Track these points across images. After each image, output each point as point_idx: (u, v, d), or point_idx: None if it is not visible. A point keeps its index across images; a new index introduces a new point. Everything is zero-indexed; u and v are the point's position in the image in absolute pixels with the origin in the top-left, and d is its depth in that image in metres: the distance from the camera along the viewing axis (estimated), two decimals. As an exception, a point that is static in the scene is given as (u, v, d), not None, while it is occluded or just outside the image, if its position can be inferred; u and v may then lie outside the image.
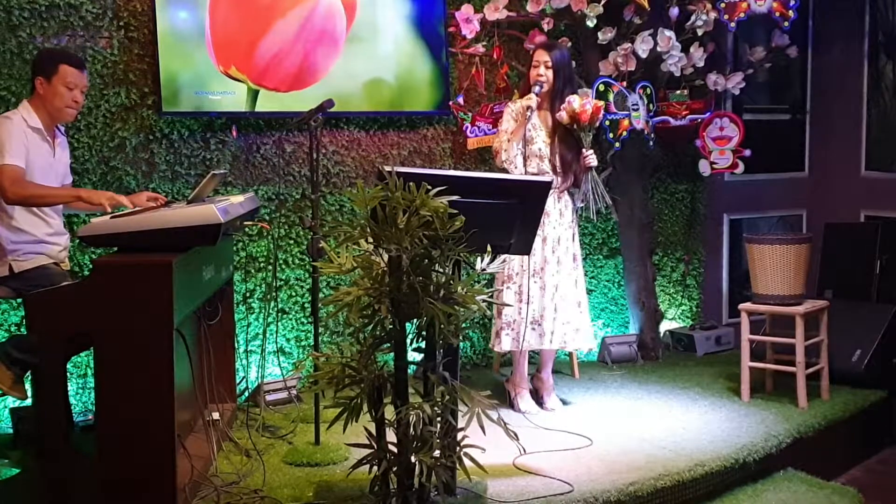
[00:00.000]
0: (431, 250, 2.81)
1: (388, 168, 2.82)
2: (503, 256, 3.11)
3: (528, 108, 4.06)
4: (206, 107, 4.31)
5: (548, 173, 4.08)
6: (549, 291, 4.11)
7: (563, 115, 4.07)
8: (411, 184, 2.77)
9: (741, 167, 5.10)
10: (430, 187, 2.78)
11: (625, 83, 4.78)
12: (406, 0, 4.64)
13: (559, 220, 4.15)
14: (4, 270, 3.46)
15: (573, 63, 4.32)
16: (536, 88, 4.09)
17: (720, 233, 5.67)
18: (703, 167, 5.15)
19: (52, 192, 3.48)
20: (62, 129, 3.70)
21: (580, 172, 4.16)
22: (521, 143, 4.06)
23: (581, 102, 4.04)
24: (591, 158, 4.13)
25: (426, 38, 4.70)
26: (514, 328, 4.10)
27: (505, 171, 4.13)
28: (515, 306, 4.09)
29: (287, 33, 4.38)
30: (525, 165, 4.07)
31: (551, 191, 4.08)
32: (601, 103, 4.21)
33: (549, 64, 4.10)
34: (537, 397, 4.25)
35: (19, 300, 3.72)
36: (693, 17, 4.80)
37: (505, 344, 4.12)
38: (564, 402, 4.32)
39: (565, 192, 4.17)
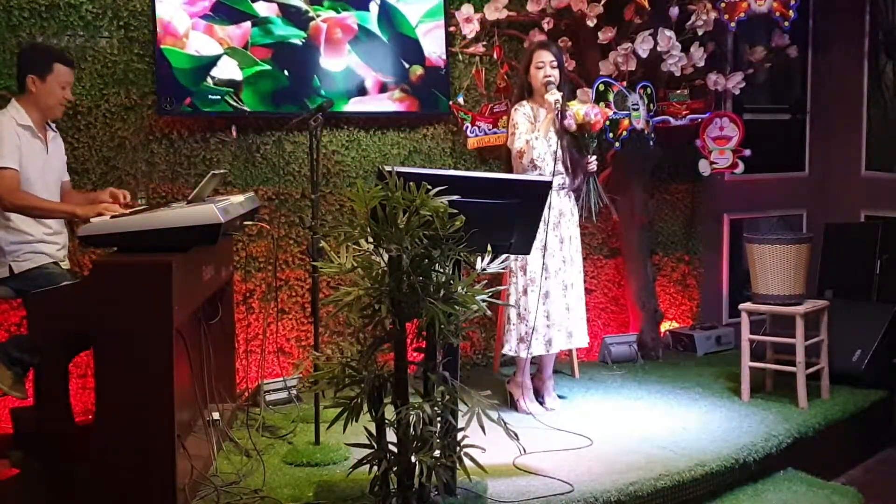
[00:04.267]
0: (431, 250, 2.81)
1: (388, 168, 2.82)
2: (504, 256, 3.10)
3: (557, 101, 4.02)
4: (206, 107, 4.31)
5: (562, 174, 4.09)
6: (568, 291, 4.13)
7: (571, 124, 4.06)
8: (411, 184, 2.77)
9: (741, 167, 5.10)
10: (430, 187, 2.78)
11: (625, 83, 4.78)
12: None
13: (571, 220, 4.17)
14: (4, 271, 3.46)
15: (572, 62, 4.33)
16: (552, 87, 4.06)
17: (720, 233, 5.67)
18: (703, 167, 5.15)
19: (49, 206, 3.47)
20: (53, 125, 3.70)
21: (583, 175, 4.17)
22: (549, 142, 4.06)
23: (594, 113, 4.04)
24: (594, 164, 4.16)
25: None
26: (539, 332, 4.07)
27: (537, 169, 4.08)
28: (542, 309, 4.07)
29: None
30: (544, 166, 4.07)
31: (563, 190, 4.11)
32: (608, 111, 4.21)
33: (555, 63, 4.10)
34: (538, 397, 4.26)
35: (19, 300, 3.72)
36: (693, 17, 4.80)
37: (535, 349, 4.08)
38: (561, 397, 4.33)
39: (572, 191, 4.19)
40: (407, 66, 4.68)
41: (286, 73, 4.43)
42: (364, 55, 4.58)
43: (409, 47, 4.68)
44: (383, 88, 4.65)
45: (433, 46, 4.74)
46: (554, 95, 4.03)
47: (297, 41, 4.45)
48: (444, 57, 4.76)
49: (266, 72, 4.39)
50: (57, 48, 3.90)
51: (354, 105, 4.59)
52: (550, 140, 4.08)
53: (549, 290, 4.08)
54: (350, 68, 4.57)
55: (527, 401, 4.19)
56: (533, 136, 4.08)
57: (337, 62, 4.54)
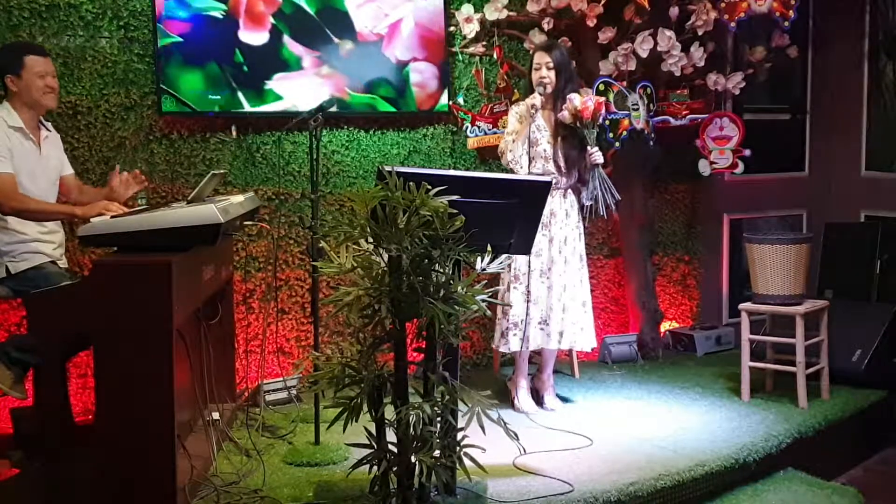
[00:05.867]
0: (431, 250, 2.81)
1: (388, 168, 2.82)
2: (503, 256, 3.10)
3: (533, 106, 4.05)
4: (206, 107, 4.30)
5: (553, 174, 4.09)
6: (557, 291, 4.11)
7: (565, 115, 4.07)
8: (411, 184, 2.77)
9: (741, 167, 5.10)
10: (430, 187, 2.78)
11: (625, 83, 4.79)
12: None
13: (565, 220, 4.15)
14: (1, 272, 3.45)
15: (573, 62, 4.33)
16: (540, 89, 4.08)
17: (720, 233, 5.67)
18: (703, 167, 5.15)
19: (49, 208, 3.47)
20: (48, 124, 3.69)
21: (585, 170, 4.16)
22: (526, 144, 4.06)
23: (582, 100, 4.04)
24: (597, 155, 4.13)
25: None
26: (521, 328, 4.10)
27: (511, 171, 4.12)
28: (523, 307, 4.08)
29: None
30: (530, 166, 4.07)
31: (557, 190, 4.11)
32: (602, 99, 4.21)
33: (551, 65, 4.10)
34: (537, 397, 4.26)
35: (19, 300, 3.72)
36: (693, 17, 4.80)
37: (513, 344, 4.10)
38: (564, 399, 4.33)
39: (570, 191, 4.18)
40: (336, 40, 4.52)
41: (206, 47, 4.25)
42: (289, 28, 4.39)
43: (338, 21, 4.49)
44: (310, 64, 4.46)
45: (366, 20, 4.56)
46: (531, 100, 4.06)
47: (217, 14, 4.29)
48: (377, 31, 4.58)
49: (179, 45, 4.22)
50: (24, 41, 3.89)
51: (279, 81, 4.41)
52: (540, 140, 4.09)
53: (533, 290, 4.08)
54: (273, 42, 4.38)
55: (520, 399, 4.19)
56: (510, 140, 4.12)
57: (258, 36, 4.35)
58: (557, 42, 4.39)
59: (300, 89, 4.46)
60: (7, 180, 3.36)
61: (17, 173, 3.42)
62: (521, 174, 4.03)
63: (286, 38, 4.43)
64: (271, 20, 4.39)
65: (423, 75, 4.71)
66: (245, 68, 4.36)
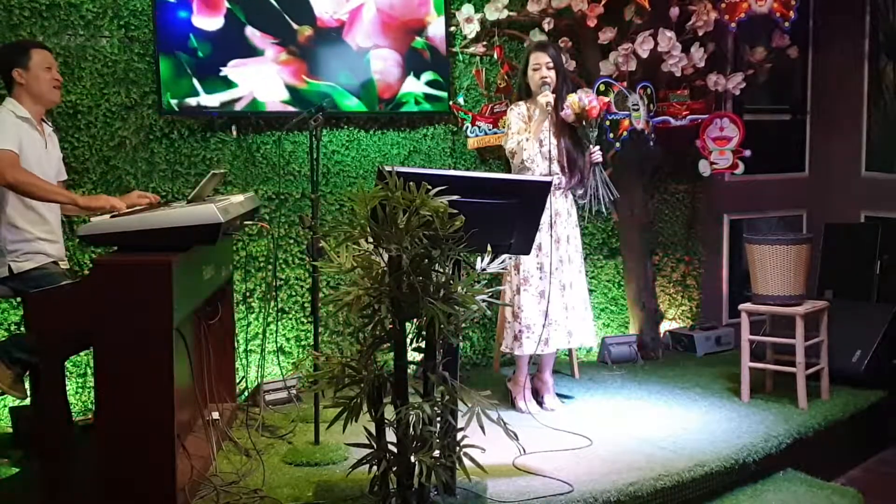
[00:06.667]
0: (431, 250, 2.81)
1: (388, 168, 2.82)
2: (505, 256, 3.10)
3: (548, 104, 4.03)
4: (164, 99, 4.26)
5: (557, 174, 4.09)
6: (567, 290, 4.13)
7: (569, 114, 4.06)
8: (411, 183, 2.77)
9: (741, 167, 5.10)
10: (430, 187, 2.78)
11: (625, 83, 4.79)
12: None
13: (567, 220, 4.17)
14: (4, 271, 3.45)
15: (573, 62, 4.33)
16: (546, 89, 4.07)
17: (720, 233, 5.67)
18: (703, 167, 5.15)
19: (51, 188, 3.44)
20: (50, 125, 3.70)
21: (586, 169, 4.17)
22: (538, 142, 4.06)
23: (588, 100, 4.04)
24: (598, 154, 4.14)
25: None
26: (534, 331, 4.09)
27: (526, 171, 4.11)
28: (535, 309, 4.08)
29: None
30: (547, 165, 4.07)
31: (559, 190, 4.11)
32: (606, 98, 4.21)
33: (551, 64, 4.10)
34: (538, 397, 4.26)
35: (19, 300, 3.72)
36: (693, 18, 4.80)
37: (527, 347, 4.08)
38: (563, 397, 4.33)
39: (570, 190, 4.19)
40: (295, 26, 4.40)
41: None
42: (245, 13, 4.29)
43: (297, 5, 4.40)
44: (267, 50, 4.36)
45: (326, 5, 4.47)
46: (546, 98, 4.04)
47: None
48: (338, 17, 4.48)
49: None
50: (26, 39, 3.92)
51: (233, 67, 4.31)
52: (544, 141, 4.09)
53: (545, 290, 4.08)
54: (228, 28, 4.28)
55: (524, 400, 4.19)
56: (523, 138, 4.10)
57: (212, 21, 4.24)
58: (552, 42, 4.40)
59: (257, 76, 4.37)
60: (10, 155, 3.35)
61: (26, 160, 3.41)
62: (537, 173, 4.04)
63: (242, 24, 4.33)
64: (226, 4, 4.30)
65: (385, 63, 4.63)
66: (200, 54, 4.26)
